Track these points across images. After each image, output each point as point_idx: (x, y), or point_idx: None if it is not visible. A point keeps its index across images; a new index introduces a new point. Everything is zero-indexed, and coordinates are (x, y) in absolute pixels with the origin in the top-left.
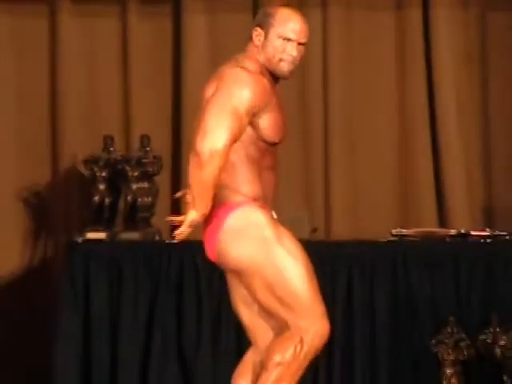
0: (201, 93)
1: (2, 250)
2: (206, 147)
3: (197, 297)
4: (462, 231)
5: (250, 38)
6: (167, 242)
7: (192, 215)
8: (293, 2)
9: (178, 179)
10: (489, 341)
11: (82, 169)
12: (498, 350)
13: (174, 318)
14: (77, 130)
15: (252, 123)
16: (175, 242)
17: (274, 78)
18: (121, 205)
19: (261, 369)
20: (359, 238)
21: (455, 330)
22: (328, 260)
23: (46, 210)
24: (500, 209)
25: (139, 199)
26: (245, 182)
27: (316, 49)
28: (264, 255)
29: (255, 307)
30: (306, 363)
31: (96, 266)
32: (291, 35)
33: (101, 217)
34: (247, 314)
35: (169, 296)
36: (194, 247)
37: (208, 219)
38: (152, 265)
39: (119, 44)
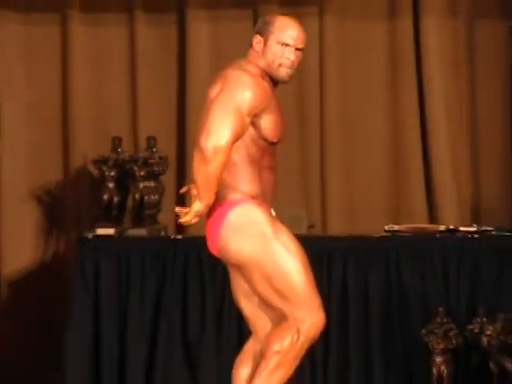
0: (205, 93)
1: (17, 245)
2: (211, 144)
3: (201, 289)
4: (451, 227)
5: (251, 45)
6: (173, 237)
7: (197, 206)
8: (290, 11)
9: (182, 178)
10: (476, 330)
11: (92, 169)
12: (484, 339)
13: (178, 309)
14: (87, 132)
15: (253, 123)
16: (180, 237)
17: (274, 82)
18: (129, 202)
19: (260, 357)
20: (354, 233)
21: (444, 321)
22: (325, 254)
23: (58, 207)
24: (486, 206)
25: (146, 197)
26: (244, 180)
27: (313, 55)
28: (263, 250)
29: (255, 299)
30: (302, 352)
31: (105, 260)
32: (289, 41)
33: (110, 214)
34: (248, 306)
35: (174, 288)
36: (198, 242)
37: (210, 216)
38: (158, 259)
39: (127, 50)
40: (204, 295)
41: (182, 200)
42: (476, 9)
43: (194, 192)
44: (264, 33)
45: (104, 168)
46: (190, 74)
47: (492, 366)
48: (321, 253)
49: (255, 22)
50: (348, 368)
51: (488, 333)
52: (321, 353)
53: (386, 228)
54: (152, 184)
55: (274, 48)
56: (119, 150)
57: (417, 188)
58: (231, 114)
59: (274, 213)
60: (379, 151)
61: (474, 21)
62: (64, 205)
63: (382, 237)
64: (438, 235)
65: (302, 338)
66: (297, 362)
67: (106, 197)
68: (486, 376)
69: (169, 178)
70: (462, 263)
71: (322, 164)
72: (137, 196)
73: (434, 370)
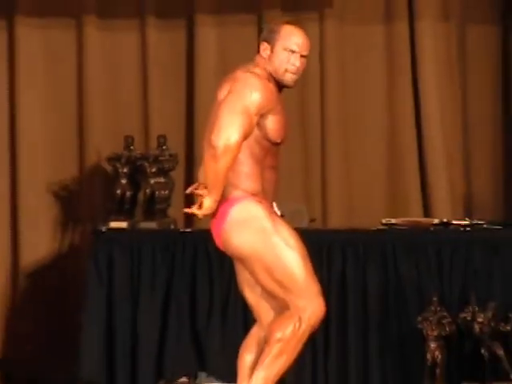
0: (214, 94)
1: (35, 237)
2: (221, 142)
3: (208, 280)
4: (444, 220)
5: (258, 51)
6: (182, 230)
7: (207, 202)
8: (292, 17)
9: (191, 174)
10: (468, 318)
11: (106, 165)
12: (476, 327)
13: (187, 298)
14: (101, 130)
15: (259, 123)
16: (189, 230)
17: (279, 86)
18: (140, 197)
19: (264, 343)
20: (352, 226)
21: (438, 309)
22: (325, 247)
23: (74, 201)
24: (478, 200)
25: (157, 192)
26: (246, 178)
27: (314, 57)
28: (263, 244)
29: (258, 289)
30: (303, 339)
31: (118, 251)
32: (295, 47)
33: (122, 208)
34: (252, 295)
35: (183, 279)
36: (206, 235)
37: (214, 213)
38: (168, 250)
39: (139, 54)
40: (212, 285)
41: (191, 196)
42: (468, 12)
43: (200, 191)
44: (271, 40)
45: (117, 165)
46: (198, 75)
47: (483, 351)
48: (321, 245)
49: (260, 26)
50: (347, 354)
51: (480, 320)
52: (321, 340)
53: (383, 221)
54: (162, 180)
55: (281, 54)
56: (131, 147)
57: (412, 183)
58: (240, 114)
59: (276, 208)
60: (377, 149)
61: (467, 24)
62: (79, 199)
63: (379, 230)
64: (432, 228)
65: (303, 326)
66: (298, 349)
67: (119, 192)
68: (477, 361)
69: (178, 174)
70: (454, 255)
71: (322, 162)
72: (148, 191)
73: (429, 356)
